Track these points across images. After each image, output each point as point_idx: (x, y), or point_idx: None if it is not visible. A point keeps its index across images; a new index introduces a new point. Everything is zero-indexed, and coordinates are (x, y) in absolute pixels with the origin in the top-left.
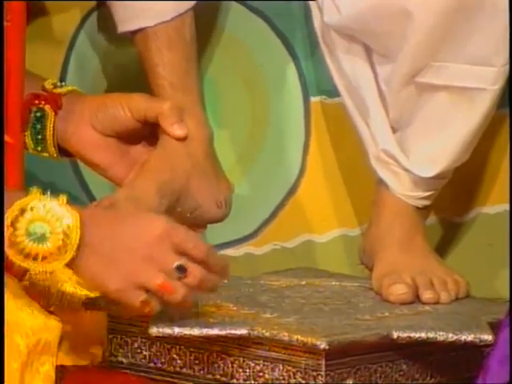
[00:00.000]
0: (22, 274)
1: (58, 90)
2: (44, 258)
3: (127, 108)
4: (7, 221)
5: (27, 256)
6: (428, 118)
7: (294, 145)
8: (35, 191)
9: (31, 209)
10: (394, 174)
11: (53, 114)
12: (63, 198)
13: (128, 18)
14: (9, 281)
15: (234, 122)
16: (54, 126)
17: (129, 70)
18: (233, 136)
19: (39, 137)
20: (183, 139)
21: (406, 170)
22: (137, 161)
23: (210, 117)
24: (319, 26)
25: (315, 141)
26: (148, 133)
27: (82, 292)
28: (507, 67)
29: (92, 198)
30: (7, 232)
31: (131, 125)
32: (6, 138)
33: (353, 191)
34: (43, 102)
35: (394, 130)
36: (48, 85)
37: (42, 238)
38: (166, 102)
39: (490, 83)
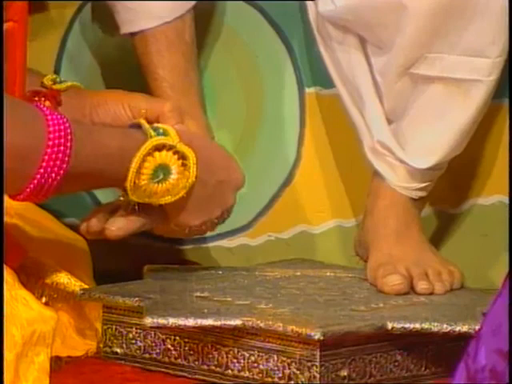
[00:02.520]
0: (19, 264)
1: (58, 86)
2: (160, 194)
3: (128, 107)
4: (134, 168)
5: (145, 195)
6: (423, 110)
7: (289, 136)
8: (151, 131)
9: (153, 152)
10: (389, 165)
11: None
12: (174, 133)
13: (129, 20)
14: (5, 272)
15: (230, 113)
16: None
17: (123, 60)
18: (228, 127)
19: None
20: None
21: (402, 161)
22: None
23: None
24: (314, 18)
25: (310, 132)
26: None
27: (77, 283)
28: (502, 58)
29: (92, 196)
30: (133, 176)
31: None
32: None
33: (348, 182)
34: (43, 99)
35: (390, 122)
36: (47, 81)
37: (163, 179)
38: (166, 103)
39: (484, 74)
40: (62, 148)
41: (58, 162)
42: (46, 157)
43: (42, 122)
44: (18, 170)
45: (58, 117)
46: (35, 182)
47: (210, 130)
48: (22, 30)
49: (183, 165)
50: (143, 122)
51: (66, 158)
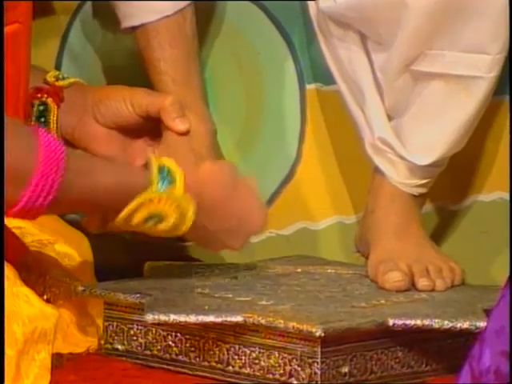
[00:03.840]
0: (20, 262)
1: (60, 83)
2: (152, 233)
3: (129, 103)
4: (125, 213)
5: (136, 230)
6: (424, 106)
7: (290, 132)
8: (155, 178)
9: (150, 202)
10: (390, 161)
11: (55, 107)
12: (181, 180)
13: (130, 14)
14: (6, 268)
15: (231, 110)
16: (57, 120)
17: (125, 56)
18: (229, 124)
19: None
20: (185, 134)
21: (402, 157)
22: (138, 155)
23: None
24: (315, 14)
25: (311, 128)
26: (151, 127)
27: (78, 280)
28: (503, 55)
29: None
30: (124, 216)
31: (133, 119)
32: None
33: (349, 179)
34: (45, 96)
35: (390, 118)
36: (50, 78)
37: (155, 224)
38: (167, 97)
39: (485, 71)
40: (51, 177)
41: (44, 191)
42: (33, 184)
43: (35, 150)
44: (8, 190)
45: (53, 145)
46: (22, 204)
47: (212, 122)
48: (26, 31)
49: (182, 215)
50: (154, 167)
51: (55, 186)
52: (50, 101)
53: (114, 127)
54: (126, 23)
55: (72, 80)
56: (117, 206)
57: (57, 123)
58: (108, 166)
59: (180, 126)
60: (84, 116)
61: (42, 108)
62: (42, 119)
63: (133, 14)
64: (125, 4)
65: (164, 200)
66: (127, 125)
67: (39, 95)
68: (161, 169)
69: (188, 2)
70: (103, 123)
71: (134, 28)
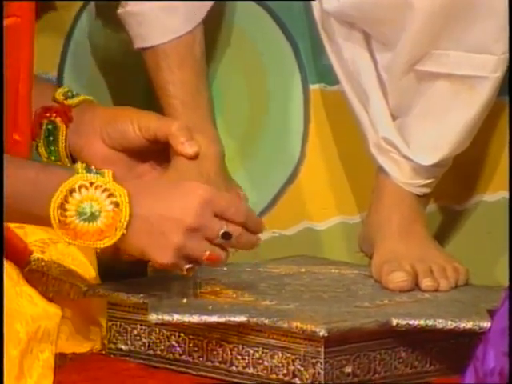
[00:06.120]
0: (24, 262)
1: (69, 102)
2: (95, 235)
3: (137, 126)
4: (55, 202)
5: (77, 235)
6: (428, 106)
7: (294, 132)
8: (80, 168)
9: (79, 188)
10: (393, 161)
11: (64, 126)
12: (109, 173)
13: (141, 35)
14: (9, 268)
15: (234, 110)
16: (65, 139)
17: (127, 59)
18: (233, 124)
19: (52, 148)
20: (194, 157)
21: (406, 157)
22: (144, 177)
23: None
24: (319, 14)
25: (315, 128)
26: (158, 150)
27: (82, 279)
28: (507, 55)
29: None
30: (56, 212)
31: (140, 142)
32: (14, 135)
33: (352, 179)
34: (54, 115)
35: (394, 118)
36: (59, 96)
37: (92, 217)
38: (174, 122)
39: (490, 71)
40: None
41: None
42: None
43: None
44: None
45: None
46: None
47: (221, 144)
48: (27, 28)
49: (115, 204)
50: (79, 163)
51: None
52: (58, 120)
53: (121, 149)
54: (138, 44)
55: (81, 98)
56: (39, 204)
57: (65, 142)
58: (28, 163)
59: (189, 149)
60: (91, 137)
61: (50, 127)
62: (51, 138)
63: (143, 35)
64: (136, 24)
65: (93, 186)
66: (134, 148)
67: (48, 114)
68: (88, 167)
69: (197, 21)
70: (110, 144)
71: (143, 49)
